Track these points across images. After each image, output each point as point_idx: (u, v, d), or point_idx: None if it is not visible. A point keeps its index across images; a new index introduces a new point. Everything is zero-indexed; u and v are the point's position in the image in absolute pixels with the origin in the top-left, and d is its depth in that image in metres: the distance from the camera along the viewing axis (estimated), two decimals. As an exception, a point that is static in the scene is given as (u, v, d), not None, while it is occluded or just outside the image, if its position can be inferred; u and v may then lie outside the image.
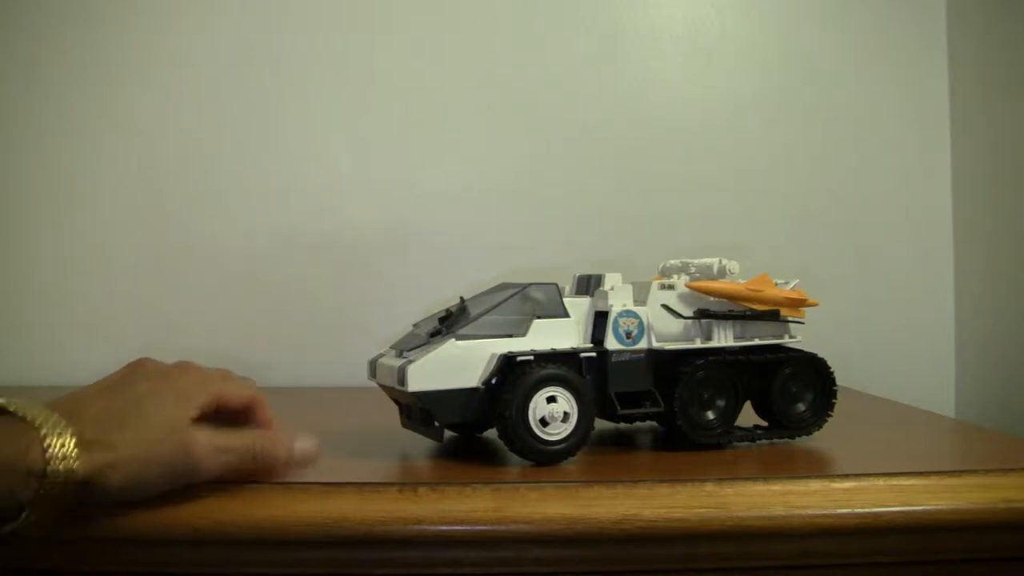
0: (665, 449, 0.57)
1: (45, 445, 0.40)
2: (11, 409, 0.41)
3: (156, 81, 0.94)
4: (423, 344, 0.53)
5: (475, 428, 0.59)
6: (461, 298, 0.57)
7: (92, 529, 0.43)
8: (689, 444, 0.55)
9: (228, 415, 0.49)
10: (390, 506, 0.44)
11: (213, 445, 0.45)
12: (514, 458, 0.52)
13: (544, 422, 0.50)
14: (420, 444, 0.57)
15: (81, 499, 0.41)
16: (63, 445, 0.40)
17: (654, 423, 0.62)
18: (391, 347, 0.57)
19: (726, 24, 0.97)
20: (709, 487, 0.46)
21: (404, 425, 0.58)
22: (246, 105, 0.94)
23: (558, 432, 0.51)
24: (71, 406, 0.43)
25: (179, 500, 0.44)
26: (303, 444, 0.49)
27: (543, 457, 0.51)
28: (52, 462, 0.40)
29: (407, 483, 0.46)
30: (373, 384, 0.57)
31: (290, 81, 0.94)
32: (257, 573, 0.46)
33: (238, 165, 0.94)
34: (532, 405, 0.50)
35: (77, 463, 0.40)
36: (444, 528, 0.44)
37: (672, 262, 0.63)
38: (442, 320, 0.55)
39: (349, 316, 0.93)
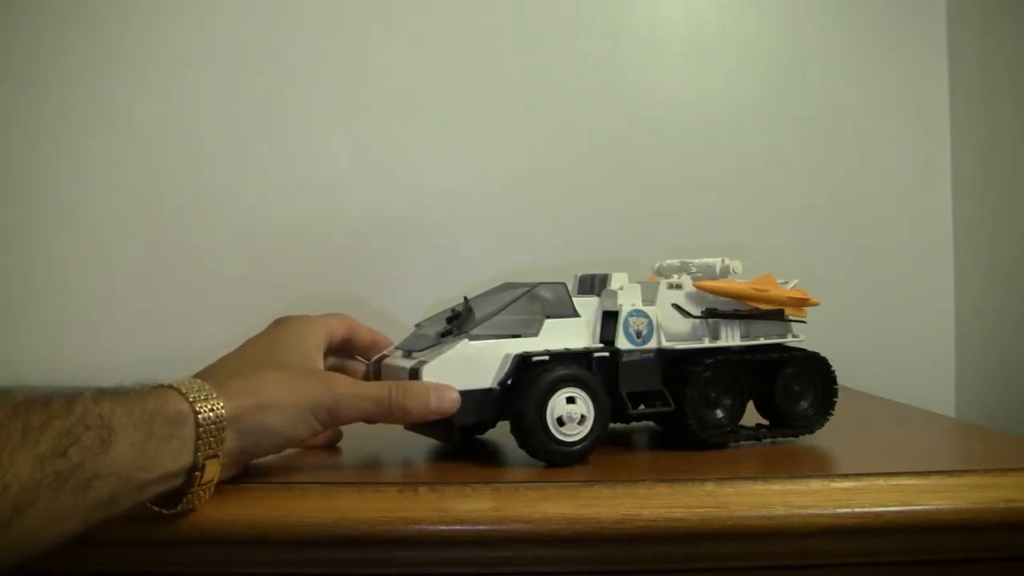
0: (665, 449, 0.57)
1: (191, 400, 0.42)
2: (169, 384, 0.43)
3: (156, 81, 0.93)
4: (434, 344, 0.52)
5: (477, 429, 0.59)
6: (465, 298, 0.56)
7: (92, 529, 0.43)
8: (690, 443, 0.55)
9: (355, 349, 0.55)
10: (390, 506, 0.44)
11: (355, 390, 0.48)
12: (514, 458, 0.52)
13: (561, 422, 0.50)
14: (420, 444, 0.57)
15: (238, 452, 0.44)
16: (207, 398, 0.43)
17: (650, 423, 0.62)
18: (396, 347, 0.56)
19: (726, 24, 0.97)
20: (709, 487, 0.46)
21: (407, 427, 0.57)
22: (246, 105, 0.94)
23: (574, 433, 0.51)
24: (207, 372, 0.47)
25: (179, 500, 0.44)
26: (438, 397, 0.49)
27: (559, 458, 0.51)
28: (202, 412, 0.42)
29: (407, 483, 0.46)
30: (373, 384, 0.56)
31: (290, 81, 0.94)
32: (257, 573, 0.46)
33: (238, 165, 0.94)
34: (550, 406, 0.50)
35: (224, 410, 0.43)
36: (444, 528, 0.44)
37: (669, 262, 0.63)
38: (450, 320, 0.54)
39: (350, 316, 0.93)
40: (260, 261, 0.93)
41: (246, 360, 0.50)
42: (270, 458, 0.55)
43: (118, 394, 0.40)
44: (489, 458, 0.55)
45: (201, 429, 0.42)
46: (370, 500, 0.45)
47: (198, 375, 0.47)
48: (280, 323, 0.55)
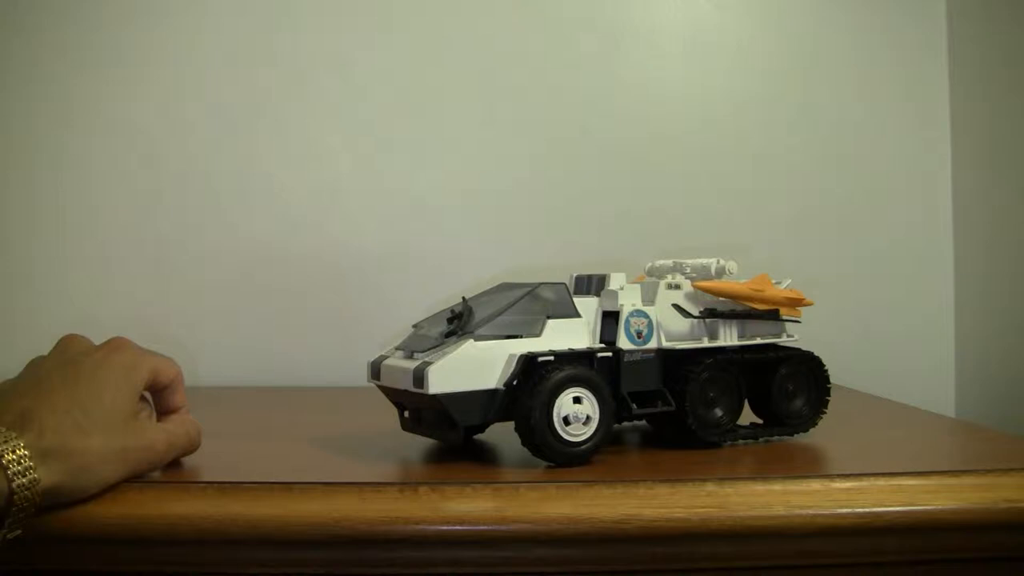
0: (664, 449, 0.57)
1: (4, 463, 0.39)
2: None
3: (156, 81, 0.94)
4: (437, 345, 0.52)
5: (477, 429, 0.59)
6: (463, 298, 0.56)
7: (92, 529, 0.43)
8: (691, 443, 0.56)
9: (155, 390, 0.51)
10: (390, 506, 0.44)
11: (169, 442, 0.48)
12: (514, 458, 0.52)
13: (567, 422, 0.50)
14: (420, 444, 0.57)
15: (52, 504, 0.42)
16: (20, 461, 0.40)
17: (643, 422, 0.62)
18: (395, 348, 0.56)
19: (726, 24, 0.97)
20: (709, 487, 0.46)
21: (406, 428, 0.57)
22: (246, 105, 0.94)
23: (580, 433, 0.51)
24: (17, 411, 0.42)
25: (179, 499, 0.44)
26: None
27: (565, 458, 0.50)
28: (15, 479, 0.39)
29: (407, 483, 0.46)
30: (373, 384, 0.56)
31: (290, 81, 0.94)
32: (257, 573, 0.46)
33: (238, 165, 0.94)
34: (556, 406, 0.50)
35: (39, 474, 0.40)
36: (444, 528, 0.44)
37: (661, 262, 0.63)
38: (450, 320, 0.54)
39: (348, 316, 0.93)
40: (260, 261, 0.93)
41: (60, 402, 0.44)
42: (270, 458, 0.55)
43: None
44: (489, 458, 0.55)
45: (16, 508, 0.40)
46: (370, 500, 0.45)
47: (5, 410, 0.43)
48: (96, 356, 0.48)
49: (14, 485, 0.39)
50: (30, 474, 0.40)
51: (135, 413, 0.47)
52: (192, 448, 0.51)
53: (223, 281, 0.93)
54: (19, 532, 0.41)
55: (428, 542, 0.44)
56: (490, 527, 0.44)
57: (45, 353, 0.49)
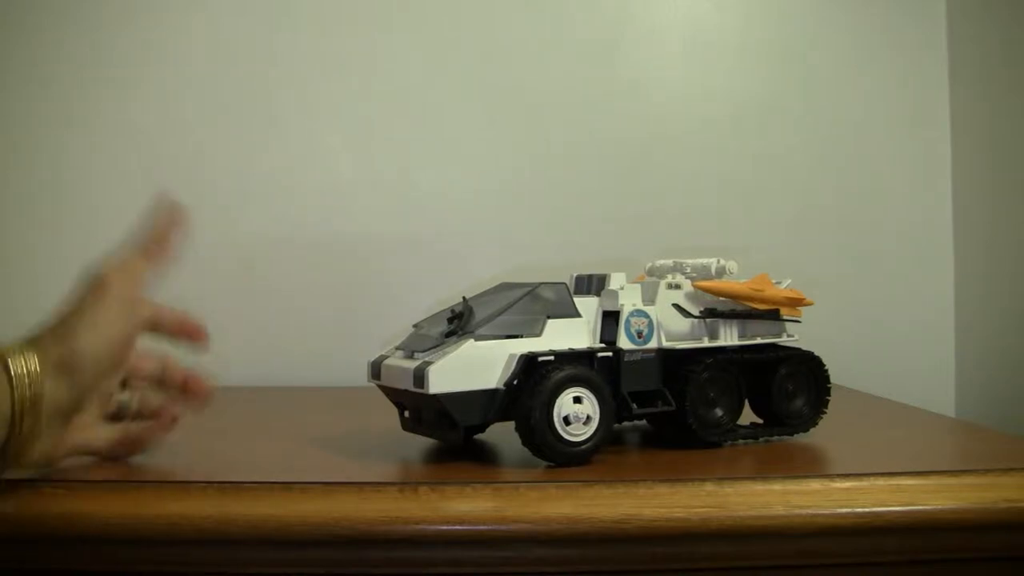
0: (664, 448, 0.57)
1: (6, 360, 0.43)
2: None
3: (156, 81, 0.94)
4: (437, 345, 0.52)
5: (477, 428, 0.59)
6: (464, 298, 0.56)
7: (92, 529, 0.43)
8: (691, 443, 0.56)
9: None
10: (390, 506, 0.44)
11: (132, 272, 0.51)
12: (514, 458, 0.52)
13: (567, 421, 0.50)
14: (420, 444, 0.57)
15: (60, 400, 0.44)
16: (18, 350, 0.44)
17: (642, 422, 0.62)
18: (395, 348, 0.56)
19: (726, 24, 0.97)
20: (709, 487, 0.46)
21: (407, 428, 0.57)
22: (247, 105, 0.94)
23: (580, 433, 0.51)
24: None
25: (179, 499, 0.44)
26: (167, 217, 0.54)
27: (565, 458, 0.50)
28: (12, 362, 0.43)
29: (407, 483, 0.46)
30: (373, 384, 0.56)
31: (290, 81, 0.94)
32: (257, 573, 0.46)
33: (239, 165, 0.94)
34: (556, 406, 0.50)
35: (35, 359, 0.43)
36: (444, 528, 0.44)
37: (661, 262, 0.63)
38: (450, 320, 0.54)
39: (348, 316, 0.93)
40: (259, 260, 0.93)
41: (60, 316, 0.49)
42: (270, 458, 0.55)
43: None
44: (489, 458, 0.55)
45: (14, 376, 0.42)
46: (370, 500, 0.45)
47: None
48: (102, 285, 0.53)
49: (13, 372, 0.42)
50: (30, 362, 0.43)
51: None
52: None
53: (223, 281, 0.93)
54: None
55: (428, 542, 0.44)
56: (490, 527, 0.44)
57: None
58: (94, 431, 0.51)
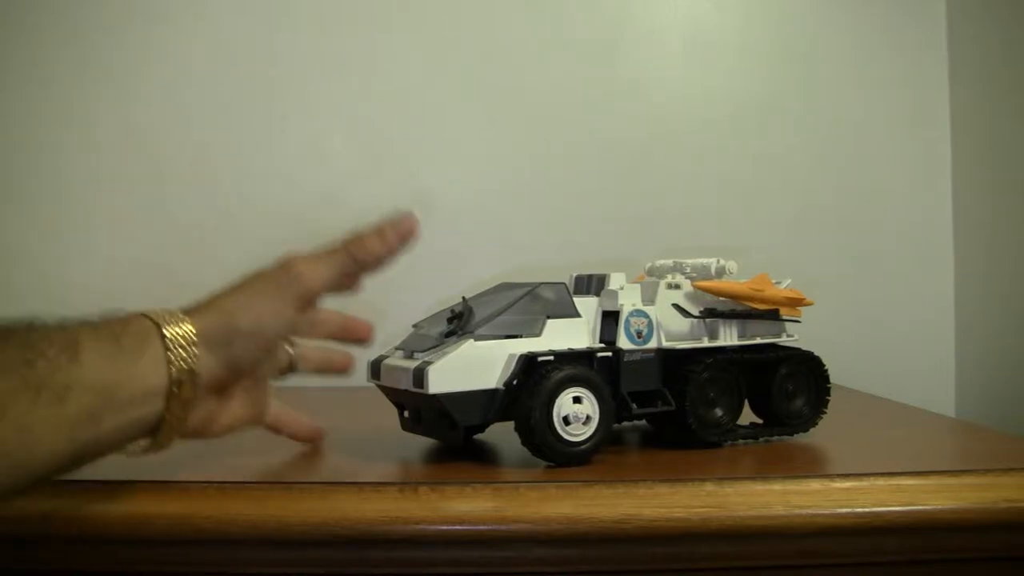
0: (664, 448, 0.57)
1: (154, 320, 0.42)
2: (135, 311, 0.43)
3: (157, 78, 0.94)
4: (437, 345, 0.52)
5: (477, 428, 0.59)
6: (463, 298, 0.56)
7: (92, 529, 0.43)
8: (691, 443, 0.56)
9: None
10: (390, 506, 0.44)
11: (311, 256, 0.49)
12: (514, 458, 0.52)
13: (567, 421, 0.50)
14: (420, 444, 0.57)
15: (218, 365, 0.43)
16: (171, 316, 0.43)
17: (641, 422, 0.62)
18: (395, 348, 0.56)
19: (726, 24, 0.97)
20: (709, 487, 0.46)
21: (406, 428, 0.57)
22: (248, 103, 0.94)
23: (580, 433, 0.51)
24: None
25: (179, 499, 0.44)
26: (396, 224, 0.51)
27: (565, 458, 0.50)
28: (167, 330, 0.42)
29: (407, 483, 0.46)
30: (372, 384, 0.56)
31: (291, 80, 0.94)
32: (257, 573, 0.46)
33: (240, 164, 0.94)
34: (556, 406, 0.50)
35: (191, 325, 0.43)
36: (444, 528, 0.44)
37: (661, 262, 0.63)
38: (450, 320, 0.54)
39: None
40: (259, 260, 0.93)
41: (219, 291, 0.49)
42: (271, 458, 0.55)
43: (83, 318, 0.41)
44: (489, 458, 0.55)
45: (168, 341, 0.41)
46: (370, 500, 0.45)
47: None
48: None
49: (166, 332, 0.42)
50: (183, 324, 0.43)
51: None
52: (369, 258, 0.51)
53: (223, 281, 0.93)
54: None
55: (428, 542, 0.44)
56: (490, 527, 0.44)
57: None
58: (254, 407, 0.51)
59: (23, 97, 0.93)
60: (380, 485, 0.46)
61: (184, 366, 0.42)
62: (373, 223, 0.51)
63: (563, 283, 0.56)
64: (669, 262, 0.63)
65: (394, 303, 0.92)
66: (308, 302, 0.48)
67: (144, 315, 0.42)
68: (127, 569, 0.46)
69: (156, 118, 0.93)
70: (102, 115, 0.93)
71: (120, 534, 0.43)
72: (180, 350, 0.42)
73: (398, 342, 0.57)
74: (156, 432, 0.42)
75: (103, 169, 0.93)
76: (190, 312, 0.44)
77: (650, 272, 0.64)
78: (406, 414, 0.57)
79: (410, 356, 0.53)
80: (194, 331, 0.43)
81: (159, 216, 0.93)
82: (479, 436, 0.59)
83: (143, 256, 0.93)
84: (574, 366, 0.51)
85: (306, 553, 0.45)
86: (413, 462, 0.54)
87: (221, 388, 0.47)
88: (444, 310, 0.56)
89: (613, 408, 0.52)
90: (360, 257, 0.50)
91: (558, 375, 0.50)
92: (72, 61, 0.93)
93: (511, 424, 0.51)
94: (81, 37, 0.93)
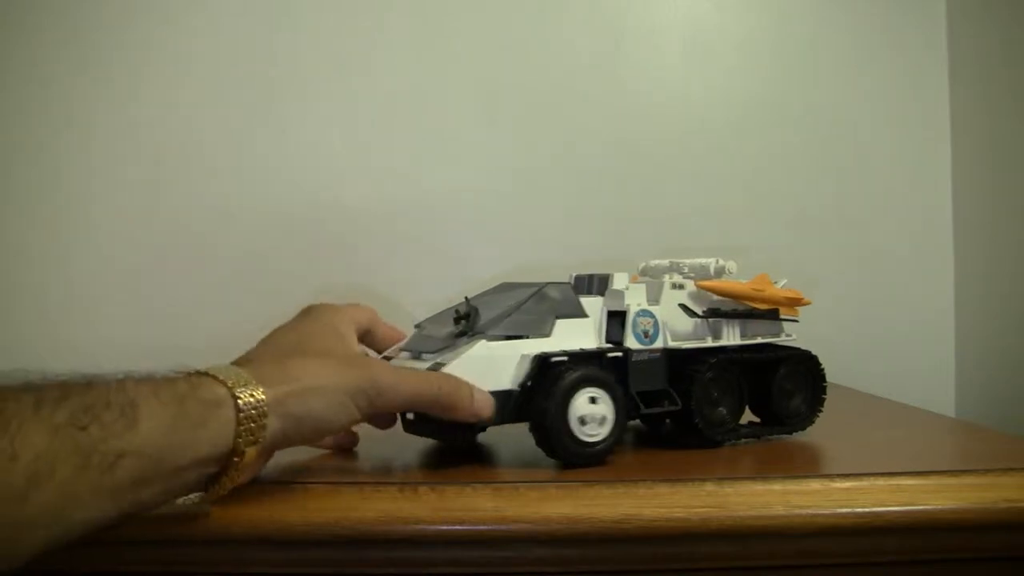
0: (664, 449, 0.57)
1: (229, 385, 0.40)
2: (202, 371, 0.42)
3: (156, 77, 0.94)
4: (447, 346, 0.52)
5: (482, 429, 0.58)
6: (466, 298, 0.56)
7: (92, 529, 0.43)
8: (690, 443, 0.56)
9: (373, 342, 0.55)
10: (390, 506, 0.44)
11: (397, 378, 0.47)
12: (514, 458, 0.52)
13: (583, 422, 0.50)
14: (420, 444, 0.57)
15: (277, 438, 0.42)
16: (245, 383, 0.41)
17: (640, 422, 0.62)
18: (399, 349, 0.56)
19: (726, 24, 0.97)
20: (709, 487, 0.46)
21: (408, 430, 0.57)
22: (247, 103, 0.94)
23: (596, 434, 0.50)
24: (238, 363, 0.45)
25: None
26: (481, 395, 0.49)
27: (581, 459, 0.50)
28: (242, 397, 0.40)
29: (407, 483, 0.46)
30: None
31: (291, 79, 0.94)
32: (258, 573, 0.46)
33: (239, 163, 0.94)
34: (572, 407, 0.50)
35: (264, 396, 0.41)
36: (444, 528, 0.44)
37: (656, 262, 0.63)
38: (456, 321, 0.53)
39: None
40: (259, 260, 0.93)
41: (279, 348, 0.49)
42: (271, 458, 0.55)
43: (144, 377, 0.39)
44: (489, 458, 0.55)
45: (242, 415, 0.40)
46: (370, 500, 0.45)
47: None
48: (310, 310, 0.54)
49: (241, 403, 0.40)
50: (256, 396, 0.41)
51: (355, 352, 0.50)
52: (452, 404, 0.48)
53: (223, 281, 0.93)
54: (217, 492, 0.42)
55: (428, 542, 0.44)
56: (490, 527, 0.44)
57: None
58: None
59: (23, 97, 0.93)
60: (380, 485, 0.46)
61: (251, 438, 0.41)
62: (467, 387, 0.49)
63: (569, 283, 0.56)
64: (665, 262, 0.63)
65: (394, 303, 0.92)
66: (370, 412, 0.47)
67: (214, 378, 0.41)
68: (128, 569, 0.46)
69: (156, 118, 0.93)
70: (102, 115, 0.93)
71: (121, 534, 0.43)
72: (251, 422, 0.40)
73: (402, 343, 0.56)
74: (208, 487, 0.42)
75: (103, 169, 0.93)
76: (258, 375, 0.42)
77: (644, 272, 0.63)
78: (409, 415, 0.57)
79: (418, 357, 0.53)
80: (265, 401, 0.41)
81: (159, 216, 0.93)
82: (479, 436, 0.59)
83: (143, 256, 0.93)
84: (587, 366, 0.51)
85: (306, 553, 0.45)
86: (413, 462, 0.54)
87: (271, 454, 0.46)
88: (447, 310, 0.56)
89: (626, 408, 0.52)
90: (439, 409, 0.48)
91: (573, 376, 0.50)
92: (72, 61, 0.93)
93: (511, 424, 0.51)
94: (81, 37, 0.93)
